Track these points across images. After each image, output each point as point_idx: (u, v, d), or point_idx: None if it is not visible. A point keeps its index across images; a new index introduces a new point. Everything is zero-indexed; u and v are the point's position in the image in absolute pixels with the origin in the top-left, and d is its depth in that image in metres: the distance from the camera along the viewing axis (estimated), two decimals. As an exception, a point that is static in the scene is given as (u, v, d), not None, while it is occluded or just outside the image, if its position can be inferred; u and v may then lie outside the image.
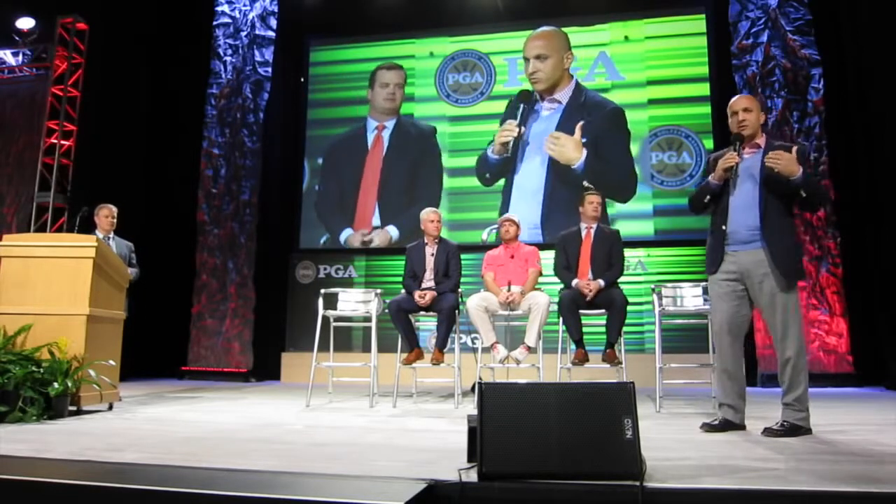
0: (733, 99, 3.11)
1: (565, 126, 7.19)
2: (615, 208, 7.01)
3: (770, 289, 2.90)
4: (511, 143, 7.28)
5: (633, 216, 6.91)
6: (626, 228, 6.81)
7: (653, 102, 7.14)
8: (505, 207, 7.18)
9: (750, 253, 2.95)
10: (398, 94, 7.79)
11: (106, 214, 5.11)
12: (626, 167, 7.04)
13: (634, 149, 7.08)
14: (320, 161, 7.88)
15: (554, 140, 7.16)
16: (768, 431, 2.86)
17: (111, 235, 5.12)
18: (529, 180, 7.23)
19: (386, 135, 7.76)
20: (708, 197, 3.06)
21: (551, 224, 6.85)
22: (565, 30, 7.48)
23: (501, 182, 7.33)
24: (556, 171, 7.16)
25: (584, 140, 7.07)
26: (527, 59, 7.45)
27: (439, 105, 7.70)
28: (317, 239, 7.75)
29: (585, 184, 6.73)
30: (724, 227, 2.99)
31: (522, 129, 7.28)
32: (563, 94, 7.31)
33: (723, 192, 3.03)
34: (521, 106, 7.35)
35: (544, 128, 7.29)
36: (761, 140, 3.04)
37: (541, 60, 7.39)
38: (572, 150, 7.08)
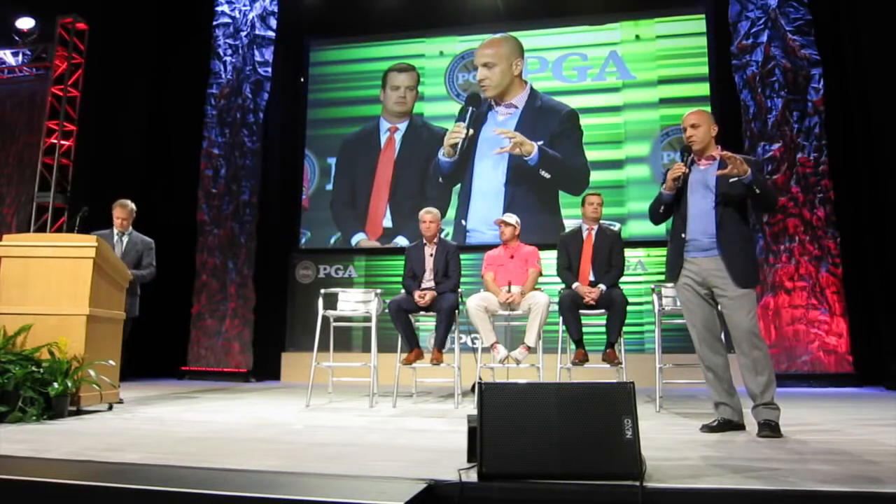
0: (685, 114, 3.22)
1: (523, 129, 7.31)
2: (627, 208, 7.02)
3: (729, 293, 2.99)
4: (459, 145, 7.36)
5: (646, 216, 6.87)
6: (639, 228, 6.82)
7: (664, 102, 7.14)
8: (464, 209, 7.32)
9: (709, 259, 3.06)
10: (409, 97, 7.79)
11: (117, 215, 4.86)
12: (579, 162, 7.17)
13: (646, 148, 7.10)
14: (329, 160, 7.86)
15: (510, 136, 7.29)
16: (764, 430, 2.86)
17: (126, 231, 4.89)
18: (488, 181, 7.33)
19: (398, 136, 7.77)
20: (662, 207, 3.24)
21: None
22: (575, 29, 7.51)
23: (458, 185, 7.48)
24: (516, 170, 7.26)
25: (540, 142, 7.22)
26: (476, 67, 7.59)
27: (449, 104, 7.69)
28: (326, 238, 7.75)
29: (543, 173, 7.10)
30: (683, 235, 3.13)
31: (470, 131, 7.40)
32: (519, 99, 7.42)
33: (681, 202, 3.16)
34: (470, 109, 7.45)
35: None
36: (716, 152, 3.15)
37: (488, 68, 7.52)
38: (526, 143, 7.23)
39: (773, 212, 5.95)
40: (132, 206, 4.96)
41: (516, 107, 7.41)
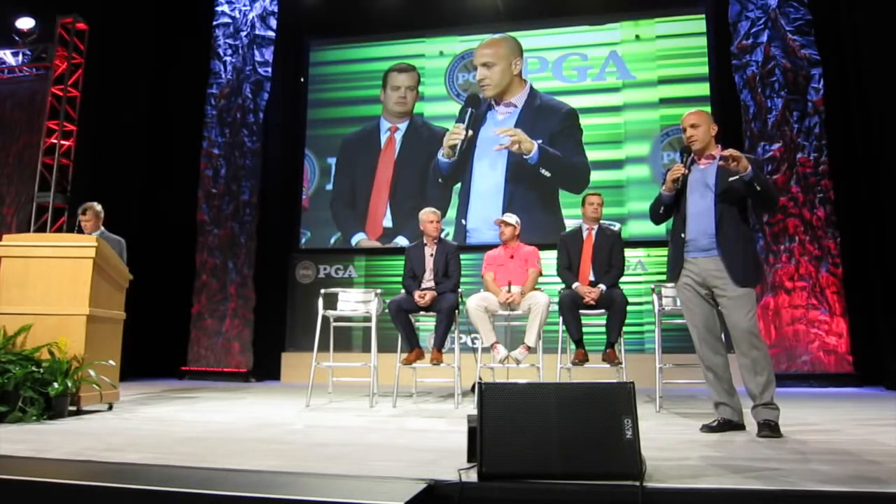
0: (684, 114, 3.21)
1: (523, 127, 7.31)
2: (627, 208, 7.02)
3: (729, 293, 2.99)
4: (458, 145, 7.38)
5: (646, 216, 6.89)
6: (639, 229, 6.80)
7: (664, 102, 7.13)
8: (464, 208, 7.34)
9: (708, 259, 3.06)
10: (409, 98, 7.79)
11: (81, 219, 4.87)
12: (579, 161, 7.16)
13: (646, 148, 7.09)
14: (329, 160, 7.86)
15: (510, 134, 7.30)
16: (763, 430, 2.86)
17: (94, 233, 4.82)
18: (487, 181, 7.34)
19: (398, 136, 7.77)
20: (662, 208, 3.24)
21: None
22: (574, 29, 7.50)
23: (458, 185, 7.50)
24: (516, 169, 7.26)
25: (539, 141, 7.22)
26: (476, 67, 7.62)
27: (449, 104, 7.69)
28: (326, 238, 7.74)
29: (543, 171, 7.10)
30: (682, 235, 3.13)
31: (470, 132, 7.41)
32: (518, 98, 7.42)
33: (681, 202, 3.16)
34: (469, 110, 7.46)
35: (502, 131, 7.48)
36: (716, 151, 3.14)
37: (488, 68, 7.54)
38: (526, 141, 7.24)
39: (773, 211, 5.95)
40: (98, 207, 4.96)
41: (516, 106, 7.42)
